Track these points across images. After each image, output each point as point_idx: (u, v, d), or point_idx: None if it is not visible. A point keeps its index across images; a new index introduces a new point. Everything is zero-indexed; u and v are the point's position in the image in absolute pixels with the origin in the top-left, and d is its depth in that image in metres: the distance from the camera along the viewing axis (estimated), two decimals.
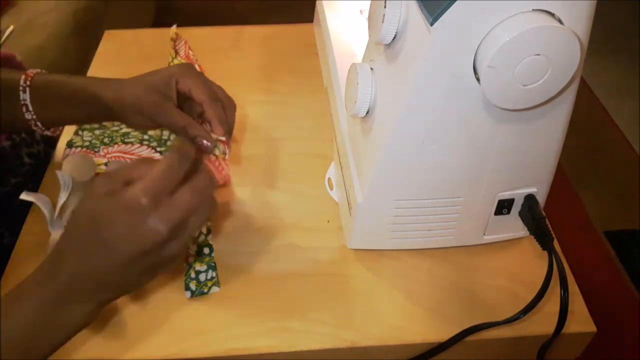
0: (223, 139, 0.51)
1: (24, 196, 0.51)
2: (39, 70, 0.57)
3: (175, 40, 0.82)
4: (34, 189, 0.68)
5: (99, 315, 0.42)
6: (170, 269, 0.44)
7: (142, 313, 0.51)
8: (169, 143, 0.66)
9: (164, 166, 0.40)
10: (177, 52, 0.80)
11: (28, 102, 0.55)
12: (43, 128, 0.57)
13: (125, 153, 0.65)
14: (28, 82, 0.55)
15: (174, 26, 0.82)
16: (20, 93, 0.55)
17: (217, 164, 0.51)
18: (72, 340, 0.49)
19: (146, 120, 0.53)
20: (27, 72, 0.56)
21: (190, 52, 0.80)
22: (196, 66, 0.77)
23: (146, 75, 0.54)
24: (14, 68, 0.74)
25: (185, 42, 0.82)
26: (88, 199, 0.41)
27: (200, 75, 0.54)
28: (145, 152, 0.66)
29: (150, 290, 0.53)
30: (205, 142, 0.50)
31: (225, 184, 0.62)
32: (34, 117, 0.56)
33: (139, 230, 0.39)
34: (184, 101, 0.54)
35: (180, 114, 0.51)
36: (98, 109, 0.54)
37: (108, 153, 0.65)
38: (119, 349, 0.49)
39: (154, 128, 0.57)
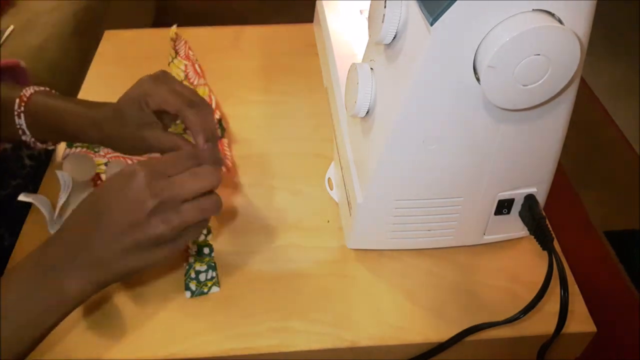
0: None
1: (23, 197, 0.51)
2: (33, 91, 0.56)
3: (175, 40, 0.82)
4: (35, 191, 0.68)
5: (90, 297, 0.43)
6: (159, 262, 0.43)
7: (142, 313, 0.51)
8: None
9: (171, 154, 0.44)
10: (177, 52, 0.80)
11: (24, 127, 0.56)
12: (42, 145, 0.59)
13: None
14: (22, 108, 0.56)
15: (174, 26, 0.82)
16: (16, 118, 0.56)
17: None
18: (72, 340, 0.49)
19: (141, 151, 0.56)
20: (22, 94, 0.56)
21: (190, 52, 0.80)
22: (196, 65, 0.77)
23: (121, 108, 0.54)
24: (18, 75, 0.74)
25: (185, 42, 0.82)
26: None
27: (166, 85, 0.53)
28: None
29: (151, 290, 0.53)
30: (201, 144, 0.52)
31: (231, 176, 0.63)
32: (32, 139, 0.58)
33: (129, 196, 0.41)
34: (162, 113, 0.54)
35: (166, 137, 0.53)
36: (94, 138, 0.57)
37: (108, 153, 0.65)
38: (118, 349, 0.49)
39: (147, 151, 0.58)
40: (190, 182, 0.43)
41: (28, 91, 0.56)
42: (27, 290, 0.41)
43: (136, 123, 0.53)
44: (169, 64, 0.78)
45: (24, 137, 0.57)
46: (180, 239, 0.44)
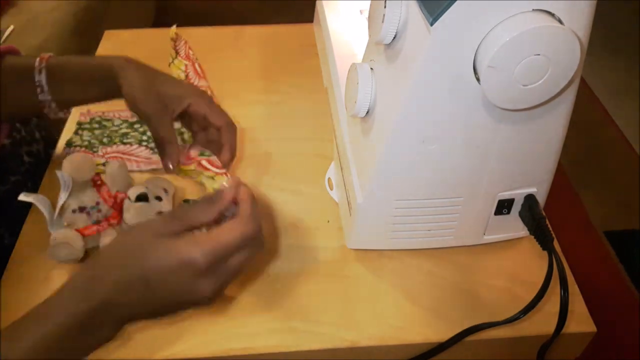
0: (224, 171, 0.53)
1: (23, 197, 0.51)
2: (52, 54, 0.58)
3: (175, 40, 0.82)
4: (34, 187, 0.68)
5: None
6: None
7: None
8: None
9: (234, 234, 0.42)
10: (177, 52, 0.80)
11: (44, 82, 0.56)
12: (56, 109, 0.58)
13: (123, 153, 0.65)
14: (44, 64, 0.56)
15: (174, 26, 0.82)
16: (36, 74, 0.56)
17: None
18: None
19: (142, 116, 0.54)
20: (42, 55, 0.57)
21: (191, 52, 0.80)
22: (196, 65, 0.77)
23: (164, 83, 0.55)
24: None
25: (186, 42, 0.82)
26: (144, 233, 0.42)
27: (213, 103, 0.57)
28: (143, 152, 0.66)
29: None
30: (170, 165, 0.53)
31: None
32: (49, 97, 0.57)
33: (187, 287, 0.41)
34: (189, 119, 0.56)
35: (166, 129, 0.53)
36: (112, 90, 0.55)
37: (106, 153, 0.65)
38: (119, 349, 0.49)
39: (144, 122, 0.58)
40: (242, 269, 0.44)
41: (46, 54, 0.57)
42: (59, 343, 0.40)
43: (166, 104, 0.54)
44: (169, 65, 0.78)
45: (41, 97, 0.56)
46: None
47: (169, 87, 0.54)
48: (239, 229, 0.42)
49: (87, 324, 0.40)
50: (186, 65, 0.78)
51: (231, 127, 0.56)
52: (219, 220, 0.44)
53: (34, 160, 0.72)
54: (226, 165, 0.54)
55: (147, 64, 0.56)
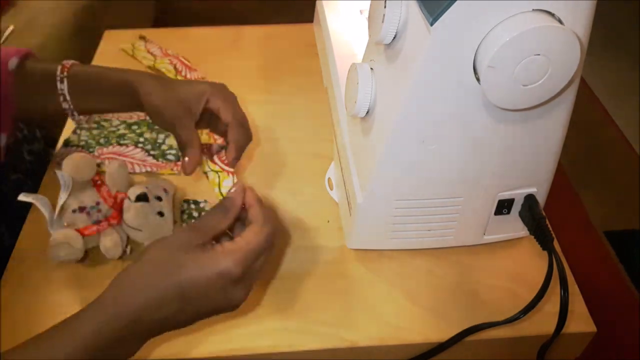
0: (232, 170, 0.52)
1: (23, 197, 0.51)
2: (74, 62, 0.58)
3: (145, 43, 0.82)
4: (34, 186, 0.68)
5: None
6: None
7: None
8: (163, 147, 0.67)
9: (258, 238, 0.43)
10: (154, 55, 0.80)
11: (66, 92, 0.57)
12: (78, 117, 0.59)
13: (119, 155, 0.65)
14: (65, 73, 0.57)
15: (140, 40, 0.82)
16: (58, 83, 0.57)
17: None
18: None
19: (165, 125, 0.54)
20: (64, 63, 0.58)
21: (169, 51, 0.81)
22: (181, 58, 0.77)
23: (181, 86, 0.55)
24: None
25: (160, 46, 0.82)
26: (171, 248, 0.42)
27: (230, 97, 0.55)
28: (139, 154, 0.66)
29: None
30: (189, 167, 0.52)
31: None
32: (71, 106, 0.58)
33: (223, 296, 0.42)
34: (211, 117, 0.56)
35: (189, 133, 0.53)
36: (133, 102, 0.55)
37: (102, 154, 0.65)
38: None
39: (168, 131, 0.58)
40: (264, 265, 0.45)
41: (68, 62, 0.58)
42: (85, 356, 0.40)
43: (187, 106, 0.54)
44: (152, 66, 0.78)
45: (64, 105, 0.58)
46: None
47: (186, 89, 0.54)
48: (262, 233, 0.44)
49: (113, 341, 0.40)
50: (170, 60, 0.78)
51: (241, 125, 0.55)
52: (231, 226, 0.46)
53: (34, 159, 0.72)
54: (231, 164, 0.54)
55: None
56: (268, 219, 0.46)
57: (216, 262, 0.41)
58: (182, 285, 0.41)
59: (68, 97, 0.57)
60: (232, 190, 0.48)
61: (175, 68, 0.77)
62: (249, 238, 0.43)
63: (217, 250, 0.42)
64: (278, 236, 0.47)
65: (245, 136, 0.55)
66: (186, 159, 0.52)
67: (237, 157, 0.55)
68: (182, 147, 0.54)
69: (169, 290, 0.41)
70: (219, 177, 0.52)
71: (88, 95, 0.58)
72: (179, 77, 0.76)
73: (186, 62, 0.78)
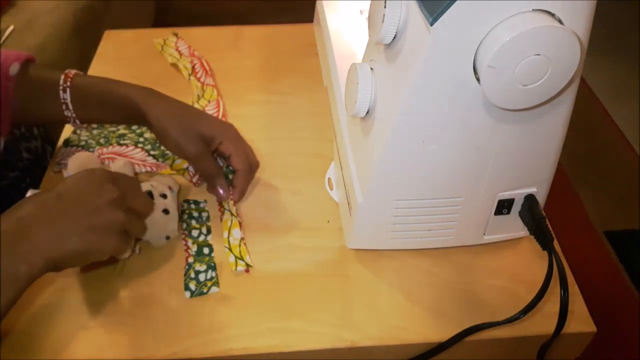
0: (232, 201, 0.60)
1: (30, 194, 0.51)
2: (77, 71, 0.59)
3: (176, 42, 0.83)
4: (32, 184, 0.68)
5: (42, 275, 0.43)
6: (106, 251, 0.46)
7: (142, 313, 0.51)
8: (162, 147, 0.67)
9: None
10: (180, 53, 0.80)
11: (68, 101, 0.58)
12: (80, 124, 0.61)
13: (119, 155, 0.65)
14: (68, 83, 0.58)
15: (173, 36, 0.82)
16: (61, 92, 0.58)
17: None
18: (72, 340, 0.49)
19: (178, 154, 0.59)
20: (67, 72, 0.59)
21: (196, 52, 0.81)
22: (203, 61, 0.77)
23: (195, 121, 0.58)
24: None
25: (189, 45, 0.82)
26: None
27: (241, 143, 0.61)
28: (139, 154, 0.66)
29: (151, 290, 0.53)
30: (222, 192, 0.60)
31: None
32: (73, 115, 0.59)
33: (95, 182, 0.46)
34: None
35: (212, 163, 0.59)
36: (137, 119, 0.58)
37: (102, 154, 0.65)
38: (119, 349, 0.49)
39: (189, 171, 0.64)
40: (142, 198, 0.51)
41: (71, 71, 0.59)
42: None
43: (203, 143, 0.58)
44: (175, 63, 0.78)
45: (66, 113, 0.59)
46: (125, 236, 0.48)
47: (204, 127, 0.58)
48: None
49: (5, 243, 0.41)
50: (192, 61, 0.78)
51: (248, 173, 0.61)
52: None
53: (32, 157, 0.72)
54: (235, 201, 0.60)
55: (172, 97, 0.60)
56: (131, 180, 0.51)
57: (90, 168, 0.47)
58: (56, 187, 0.45)
59: (71, 107, 0.58)
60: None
61: (193, 68, 0.77)
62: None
63: None
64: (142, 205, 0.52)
65: (250, 180, 0.62)
66: (220, 190, 0.60)
67: (240, 199, 0.61)
68: (208, 178, 0.60)
69: (47, 193, 0.45)
70: (231, 221, 0.54)
71: (91, 106, 0.59)
72: (192, 78, 0.76)
73: (207, 66, 0.78)
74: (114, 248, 0.46)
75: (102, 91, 0.59)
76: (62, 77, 0.58)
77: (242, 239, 0.57)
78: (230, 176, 0.61)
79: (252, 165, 0.62)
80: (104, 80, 0.60)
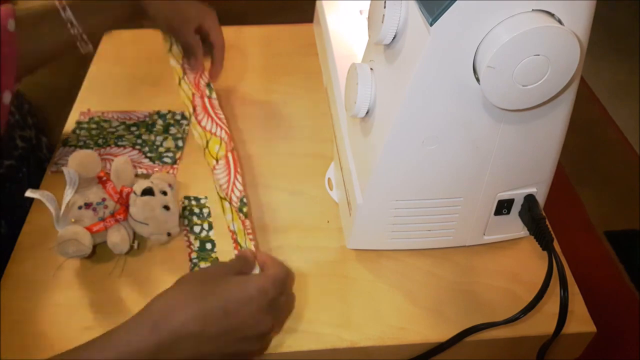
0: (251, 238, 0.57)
1: (30, 194, 0.51)
2: None
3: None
4: (28, 174, 0.68)
5: None
6: (257, 353, 0.48)
7: None
8: (160, 149, 0.67)
9: (281, 269, 0.48)
10: (184, 72, 0.72)
11: (72, 18, 0.60)
12: (87, 41, 0.63)
13: (115, 156, 0.65)
14: (64, 1, 0.60)
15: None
16: (62, 13, 0.59)
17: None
18: (72, 340, 0.49)
19: (167, 28, 0.69)
20: None
21: (202, 82, 0.71)
22: (206, 100, 0.70)
23: (182, 2, 0.66)
24: None
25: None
26: (216, 269, 0.47)
27: (217, 23, 0.70)
28: (135, 156, 0.66)
29: (150, 290, 0.53)
30: (194, 65, 0.69)
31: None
32: (80, 31, 0.61)
33: (257, 318, 0.44)
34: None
35: (193, 36, 0.68)
36: (136, 11, 0.65)
37: (100, 155, 0.65)
38: None
39: (167, 33, 0.72)
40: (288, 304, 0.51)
41: None
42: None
43: (190, 18, 0.67)
44: (179, 82, 0.72)
45: (72, 31, 0.60)
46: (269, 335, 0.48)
47: (189, 5, 0.67)
48: (281, 266, 0.49)
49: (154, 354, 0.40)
50: (194, 95, 0.69)
51: (223, 47, 0.71)
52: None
53: (27, 146, 0.72)
54: (215, 77, 0.70)
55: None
56: (281, 262, 0.50)
57: (256, 281, 0.45)
58: (226, 299, 0.43)
59: (75, 22, 0.60)
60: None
61: (194, 110, 0.73)
62: (273, 269, 0.48)
63: (252, 275, 0.48)
64: (293, 281, 0.53)
65: (223, 55, 0.71)
66: (199, 64, 0.69)
67: (218, 74, 0.70)
68: (187, 49, 0.69)
69: (213, 303, 0.42)
70: (246, 242, 0.53)
71: (94, 13, 0.62)
72: (183, 82, 0.74)
73: (209, 106, 0.74)
74: (263, 349, 0.48)
75: None
76: (57, 2, 0.60)
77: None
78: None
79: (224, 42, 0.71)
80: None
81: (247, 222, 0.55)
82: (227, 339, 0.43)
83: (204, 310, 0.42)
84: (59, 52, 0.64)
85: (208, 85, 0.69)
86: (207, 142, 0.60)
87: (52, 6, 0.59)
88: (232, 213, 0.57)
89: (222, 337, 0.42)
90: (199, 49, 0.68)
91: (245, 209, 0.57)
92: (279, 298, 0.47)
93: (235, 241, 0.55)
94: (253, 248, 0.54)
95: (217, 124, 0.62)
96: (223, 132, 0.62)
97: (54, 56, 0.65)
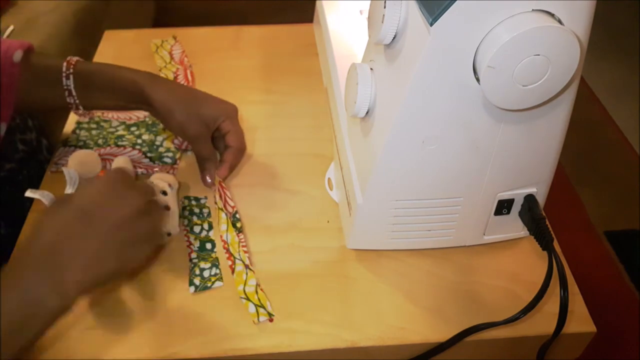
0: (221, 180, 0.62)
1: (29, 194, 0.51)
2: (78, 58, 0.60)
3: (173, 45, 0.82)
4: (28, 176, 0.68)
5: (75, 303, 0.42)
6: (141, 261, 0.47)
7: (142, 313, 0.51)
8: (160, 149, 0.67)
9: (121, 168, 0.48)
10: (172, 57, 0.80)
11: (72, 87, 0.59)
12: (83, 111, 0.61)
13: (115, 156, 0.65)
14: (71, 70, 0.59)
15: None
16: (64, 79, 0.58)
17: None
18: (73, 340, 0.49)
19: (179, 134, 0.63)
20: (69, 59, 0.59)
21: (186, 59, 0.80)
22: (187, 72, 0.77)
23: (198, 104, 0.60)
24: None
25: (183, 51, 0.81)
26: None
27: (238, 123, 0.64)
28: (135, 156, 0.66)
29: (151, 290, 0.53)
30: (208, 178, 0.61)
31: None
32: (77, 101, 0.60)
33: (120, 195, 0.44)
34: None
35: (209, 147, 0.62)
36: (141, 103, 0.60)
37: (100, 155, 0.65)
38: (118, 348, 0.49)
39: (178, 137, 0.68)
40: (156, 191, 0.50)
41: (73, 58, 0.60)
42: (16, 295, 0.39)
43: (206, 124, 0.60)
44: (159, 70, 0.78)
45: (69, 100, 0.59)
46: (158, 234, 0.49)
47: (207, 109, 0.60)
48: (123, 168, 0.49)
49: (35, 274, 0.40)
50: (177, 69, 0.78)
51: (240, 152, 0.64)
52: None
53: (28, 149, 0.72)
54: (221, 176, 0.62)
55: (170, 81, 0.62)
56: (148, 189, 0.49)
57: (100, 177, 0.46)
58: (76, 199, 0.44)
59: (74, 93, 0.59)
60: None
61: (175, 77, 0.76)
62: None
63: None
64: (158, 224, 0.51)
65: (239, 160, 0.65)
66: (207, 176, 0.61)
67: (227, 175, 0.63)
68: (200, 161, 0.62)
69: (68, 211, 0.43)
70: (246, 274, 0.53)
71: (95, 92, 0.60)
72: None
73: (190, 76, 0.77)
74: (147, 255, 0.46)
75: (106, 76, 0.60)
76: (65, 64, 0.59)
77: (258, 285, 0.54)
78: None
79: (243, 146, 0.65)
80: (107, 66, 0.61)
81: (242, 236, 0.57)
82: (101, 236, 0.42)
83: (62, 217, 0.43)
84: (52, 108, 0.65)
85: (234, 215, 0.60)
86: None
87: (59, 67, 0.59)
88: (227, 224, 0.58)
89: (93, 234, 0.42)
90: (212, 164, 0.62)
91: (238, 225, 0.58)
92: (142, 188, 0.47)
93: (228, 251, 0.56)
94: (247, 261, 0.54)
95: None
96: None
97: (47, 109, 0.66)
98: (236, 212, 0.59)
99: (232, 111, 0.63)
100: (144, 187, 0.47)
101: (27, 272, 0.40)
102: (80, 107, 0.60)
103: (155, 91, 0.58)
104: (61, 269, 0.41)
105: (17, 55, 0.58)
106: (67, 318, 0.51)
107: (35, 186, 0.61)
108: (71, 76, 0.58)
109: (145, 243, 0.46)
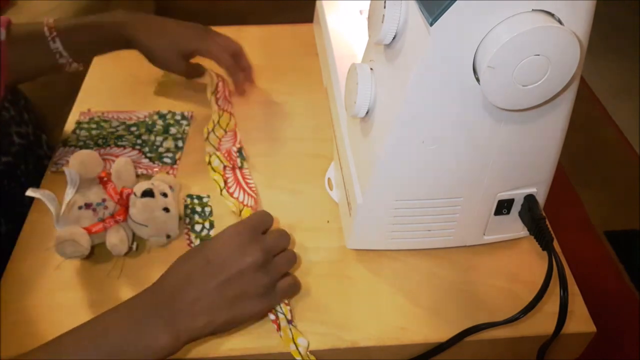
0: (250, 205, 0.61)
1: (30, 193, 0.51)
2: (55, 19, 0.62)
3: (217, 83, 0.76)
4: (27, 171, 0.68)
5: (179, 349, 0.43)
6: (256, 316, 0.48)
7: None
8: (160, 149, 0.67)
9: (256, 215, 0.49)
10: (217, 90, 0.74)
11: (61, 49, 0.61)
12: (76, 65, 0.64)
13: (116, 156, 0.65)
14: (54, 33, 0.60)
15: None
16: (50, 43, 0.60)
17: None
18: None
19: (159, 65, 0.69)
20: (46, 22, 0.61)
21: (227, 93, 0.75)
22: (224, 83, 0.75)
23: (175, 40, 0.67)
24: None
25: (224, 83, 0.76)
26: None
27: (217, 43, 0.68)
28: (135, 156, 0.66)
29: None
30: (236, 68, 0.71)
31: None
32: (70, 60, 0.62)
33: (240, 247, 0.45)
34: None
35: (182, 68, 0.70)
36: (126, 45, 0.65)
37: (100, 155, 0.65)
38: None
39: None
40: (279, 240, 0.49)
41: (50, 20, 0.62)
42: (119, 343, 0.40)
43: (184, 55, 0.68)
44: (208, 161, 0.68)
45: (61, 60, 0.61)
46: (273, 293, 0.47)
47: (185, 44, 0.67)
48: (257, 213, 0.50)
49: (144, 316, 0.41)
50: (218, 78, 0.74)
51: (235, 67, 0.69)
52: None
53: (25, 142, 0.72)
54: (249, 80, 0.73)
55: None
56: (262, 211, 0.51)
57: (230, 227, 0.47)
58: (204, 249, 0.45)
59: (65, 53, 0.61)
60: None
61: (216, 87, 0.74)
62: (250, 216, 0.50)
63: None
64: (288, 240, 0.50)
65: (243, 65, 0.71)
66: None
67: (249, 78, 0.72)
68: (218, 60, 0.69)
69: (195, 258, 0.44)
70: (291, 331, 0.51)
71: (83, 46, 0.63)
72: (212, 99, 0.72)
73: (226, 90, 0.75)
74: (260, 310, 0.47)
75: (90, 28, 0.63)
76: (45, 28, 0.60)
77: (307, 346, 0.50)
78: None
79: (236, 53, 0.70)
80: (88, 19, 0.64)
81: (246, 171, 0.61)
82: (219, 287, 0.43)
83: (191, 262, 0.45)
84: (44, 73, 0.66)
85: (239, 152, 0.66)
86: (240, 212, 0.59)
87: (41, 33, 0.60)
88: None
89: (212, 284, 0.43)
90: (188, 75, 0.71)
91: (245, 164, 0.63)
92: (264, 237, 0.47)
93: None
94: (290, 315, 0.51)
95: (248, 194, 0.62)
96: (252, 200, 0.61)
97: (38, 75, 0.67)
98: (241, 148, 0.61)
99: (205, 39, 0.68)
100: (267, 242, 0.47)
101: (147, 308, 0.42)
102: (73, 63, 0.63)
103: (139, 33, 0.64)
104: (177, 313, 0.42)
105: (2, 34, 0.58)
106: (66, 319, 0.51)
107: (35, 181, 0.61)
108: (57, 39, 0.60)
109: (258, 298, 0.46)
